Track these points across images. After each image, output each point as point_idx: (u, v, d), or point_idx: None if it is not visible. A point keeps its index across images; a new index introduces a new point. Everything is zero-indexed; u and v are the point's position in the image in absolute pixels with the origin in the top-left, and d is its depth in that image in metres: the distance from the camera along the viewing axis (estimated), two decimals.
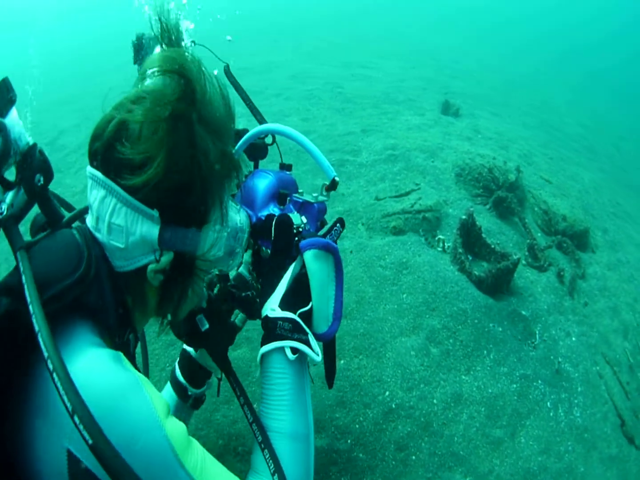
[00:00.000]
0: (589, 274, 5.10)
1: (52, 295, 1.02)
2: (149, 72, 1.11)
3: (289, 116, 7.54)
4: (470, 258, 4.38)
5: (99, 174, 1.12)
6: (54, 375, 0.89)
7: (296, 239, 1.54)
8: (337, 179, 1.72)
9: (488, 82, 13.37)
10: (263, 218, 1.65)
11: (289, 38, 16.36)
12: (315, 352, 1.41)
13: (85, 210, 1.31)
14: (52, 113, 10.32)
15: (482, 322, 3.74)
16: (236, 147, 1.86)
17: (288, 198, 1.77)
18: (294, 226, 1.58)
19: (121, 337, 1.23)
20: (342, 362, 3.25)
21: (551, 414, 3.39)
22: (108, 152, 1.10)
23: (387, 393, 3.10)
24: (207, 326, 1.70)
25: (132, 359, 1.29)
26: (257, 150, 2.09)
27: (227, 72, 2.26)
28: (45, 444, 0.97)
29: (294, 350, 1.40)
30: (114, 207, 1.11)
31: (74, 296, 1.07)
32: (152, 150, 1.06)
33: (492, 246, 4.34)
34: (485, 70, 15.52)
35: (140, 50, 2.11)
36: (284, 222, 1.55)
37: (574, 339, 4.11)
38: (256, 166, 2.12)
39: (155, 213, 1.11)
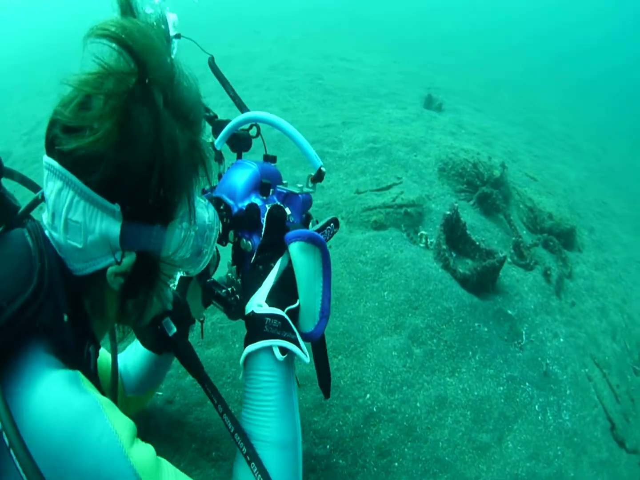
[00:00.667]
0: (576, 274, 5.02)
1: (2, 325, 0.93)
2: (114, 46, 0.98)
3: (270, 106, 7.41)
4: (454, 255, 4.22)
5: (55, 162, 1.03)
6: (3, 433, 0.85)
7: None
8: (323, 169, 1.65)
9: (473, 79, 13.36)
10: (244, 208, 1.59)
11: (269, 29, 16.17)
12: (304, 352, 1.36)
13: (40, 200, 1.23)
14: (31, 103, 10.24)
15: (467, 322, 3.61)
16: (219, 138, 1.83)
17: (271, 189, 1.72)
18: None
19: (80, 351, 1.14)
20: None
21: (539, 418, 3.29)
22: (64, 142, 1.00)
23: (367, 396, 2.94)
24: (174, 330, 1.63)
25: (91, 375, 1.14)
26: (241, 141, 2.03)
27: (212, 64, 2.24)
28: None
29: (283, 350, 1.35)
30: (71, 201, 1.02)
31: (27, 318, 0.97)
32: (109, 136, 0.96)
33: (477, 243, 4.20)
34: (471, 67, 15.51)
35: None
36: (277, 216, 1.50)
37: (561, 340, 4.02)
38: (239, 158, 2.04)
39: (116, 207, 1.02)
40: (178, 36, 2.28)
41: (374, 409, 2.88)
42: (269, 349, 1.35)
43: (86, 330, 1.17)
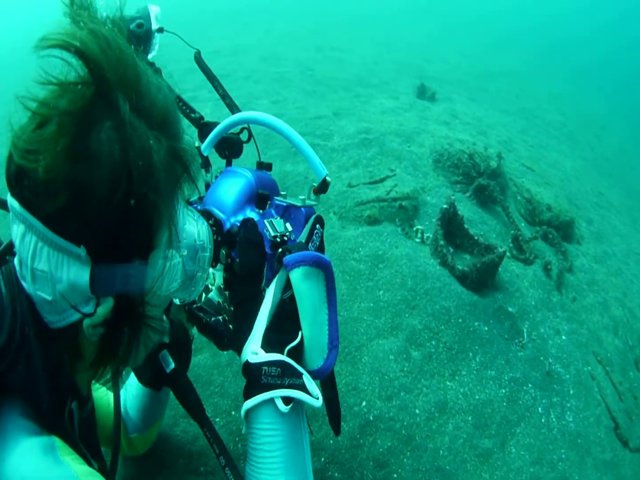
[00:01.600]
0: (576, 267, 4.90)
1: None
2: (68, 55, 0.85)
3: (258, 99, 7.24)
4: (451, 250, 4.08)
5: (15, 203, 0.90)
6: None
7: (279, 250, 1.30)
8: (328, 179, 1.46)
9: (465, 69, 13.20)
10: (238, 224, 1.41)
11: (260, 21, 15.96)
12: (314, 396, 1.21)
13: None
14: None
15: (466, 322, 3.48)
16: (206, 142, 1.64)
17: (269, 201, 1.52)
18: (275, 235, 1.36)
19: (60, 411, 1.03)
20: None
21: (543, 420, 3.19)
22: (21, 173, 0.87)
23: (363, 403, 2.82)
24: (172, 366, 1.53)
25: (73, 438, 1.06)
26: (230, 146, 1.91)
27: (198, 59, 2.15)
28: None
29: (287, 400, 1.19)
30: (35, 247, 0.89)
31: None
32: (64, 161, 0.81)
33: (476, 237, 4.06)
34: (463, 57, 15.35)
35: None
36: (249, 238, 1.34)
37: (564, 337, 3.91)
38: (229, 164, 1.90)
39: (81, 251, 0.88)
40: (161, 30, 2.18)
41: (371, 418, 2.76)
42: (270, 401, 1.19)
43: (67, 386, 1.06)
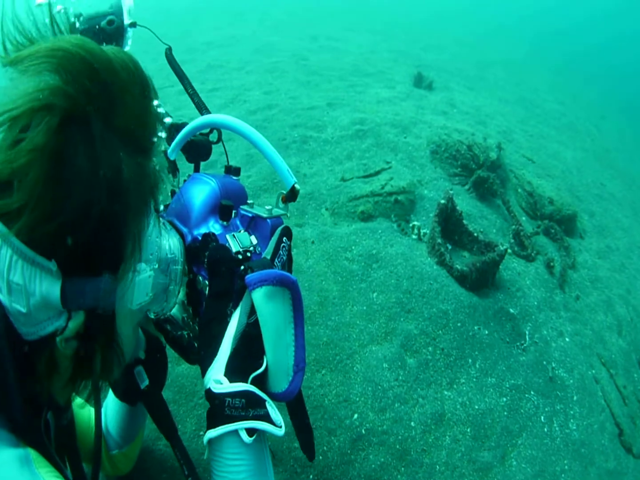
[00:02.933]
0: (579, 263, 4.78)
1: None
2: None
3: (250, 90, 7.08)
4: (449, 247, 3.91)
5: None
6: None
7: (242, 267, 1.26)
8: (297, 187, 1.39)
9: (463, 57, 13.06)
10: (199, 238, 1.38)
11: (254, 11, 15.78)
12: (277, 425, 1.19)
13: None
14: None
15: (465, 325, 3.34)
16: (172, 146, 1.58)
17: (234, 211, 1.47)
18: (238, 251, 1.31)
19: (36, 422, 1.06)
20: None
21: (545, 430, 3.09)
22: None
23: (355, 416, 2.70)
24: (146, 382, 1.50)
25: (48, 449, 1.05)
26: (198, 149, 1.86)
27: (169, 55, 2.09)
28: None
29: (251, 431, 1.16)
30: (10, 261, 0.90)
31: None
32: (37, 181, 0.83)
33: (475, 234, 3.90)
34: (461, 46, 15.23)
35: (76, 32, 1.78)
36: (219, 260, 1.28)
37: (567, 339, 3.78)
38: (197, 169, 1.88)
39: (52, 266, 0.89)
40: (133, 25, 2.11)
41: (363, 431, 2.64)
42: (234, 432, 1.15)
43: (42, 397, 1.07)
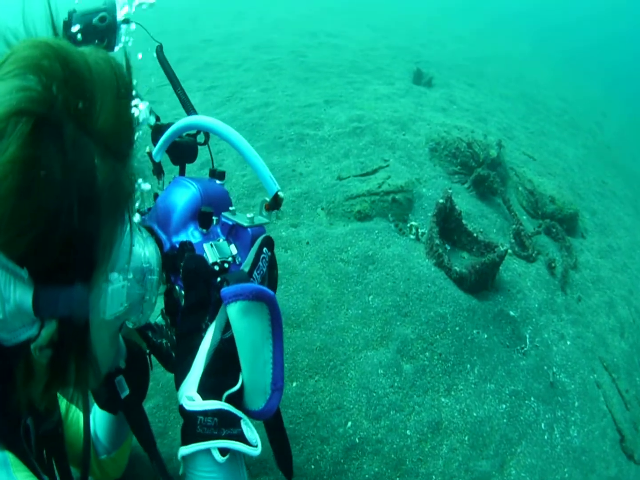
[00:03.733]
0: (580, 263, 4.70)
1: None
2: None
3: (247, 87, 7.03)
4: (448, 248, 3.83)
5: None
6: None
7: (219, 279, 1.21)
8: (281, 194, 1.38)
9: (463, 54, 13.02)
10: (177, 246, 1.34)
11: (254, 9, 15.74)
12: (252, 444, 1.14)
13: None
14: None
15: (464, 330, 3.27)
16: (156, 147, 1.57)
17: (214, 217, 1.43)
18: (215, 262, 1.29)
19: (15, 427, 1.06)
20: (294, 384, 2.80)
21: (546, 437, 3.03)
22: None
23: (349, 424, 2.65)
24: (127, 392, 1.47)
25: (27, 454, 1.05)
26: (183, 150, 1.80)
27: (159, 53, 2.06)
28: None
29: (224, 450, 1.12)
30: None
31: None
32: (7, 188, 0.79)
33: (475, 234, 3.81)
34: (461, 42, 15.19)
35: (69, 28, 1.87)
36: (194, 271, 1.24)
37: (568, 342, 3.71)
38: (182, 171, 1.84)
39: (24, 273, 0.87)
40: (127, 21, 2.07)
41: (357, 440, 2.58)
42: (207, 450, 1.12)
43: (21, 403, 1.05)
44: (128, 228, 1.05)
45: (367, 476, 2.45)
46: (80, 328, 1.01)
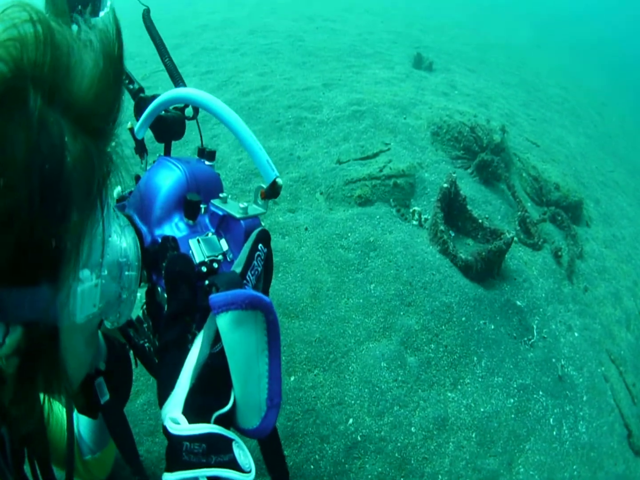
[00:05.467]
0: (586, 253, 4.61)
1: None
2: None
3: (244, 72, 6.91)
4: (452, 234, 3.69)
5: None
6: None
7: (206, 282, 1.06)
8: (279, 181, 1.18)
9: (463, 40, 12.96)
10: (159, 240, 1.20)
11: None
12: (245, 470, 0.98)
13: None
14: None
15: (470, 320, 3.16)
16: (139, 123, 1.39)
17: (202, 206, 1.26)
18: (203, 261, 1.14)
19: None
20: (292, 379, 2.70)
21: (554, 433, 2.94)
22: None
23: (350, 421, 2.54)
24: (107, 397, 1.35)
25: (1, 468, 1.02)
26: (169, 126, 1.63)
27: (145, 17, 1.93)
28: None
29: (213, 478, 0.97)
30: None
31: None
32: None
33: (480, 221, 3.71)
34: (461, 28, 15.18)
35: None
36: (178, 274, 1.10)
37: (576, 334, 3.61)
38: (167, 151, 1.68)
39: None
40: None
41: (359, 438, 2.48)
42: (195, 478, 0.98)
43: None
44: (101, 217, 0.92)
45: (369, 477, 2.37)
46: (50, 334, 0.91)
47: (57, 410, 1.75)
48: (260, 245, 1.12)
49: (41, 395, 1.16)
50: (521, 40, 16.79)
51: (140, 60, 6.83)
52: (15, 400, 0.98)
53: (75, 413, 1.80)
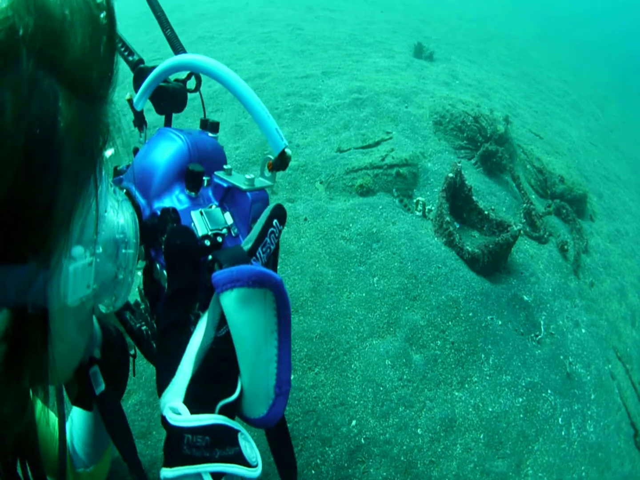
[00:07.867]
0: (591, 247, 4.53)
1: None
2: None
3: (242, 60, 6.83)
4: (457, 226, 3.58)
5: None
6: None
7: (209, 257, 0.97)
8: (288, 151, 1.06)
9: (464, 31, 12.91)
10: (158, 213, 1.11)
11: None
12: (251, 464, 0.91)
13: None
14: None
15: (478, 315, 3.05)
16: (138, 94, 1.31)
17: (205, 178, 1.16)
18: (206, 234, 1.04)
19: None
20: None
21: (563, 433, 2.86)
22: None
23: (353, 422, 2.46)
24: (102, 388, 1.26)
25: None
26: (170, 98, 1.53)
27: None
28: None
29: (217, 475, 0.89)
30: None
31: None
32: None
33: (486, 212, 3.61)
34: (461, 20, 15.13)
35: None
36: (178, 248, 1.00)
37: (583, 330, 3.53)
38: (168, 122, 1.54)
39: None
40: None
41: (362, 440, 2.40)
42: (197, 475, 0.89)
43: None
44: (96, 189, 0.82)
45: None
46: (39, 318, 0.82)
47: (51, 419, 1.68)
48: (275, 221, 1.03)
49: (31, 394, 1.09)
50: (523, 33, 16.77)
51: (137, 49, 6.75)
52: (3, 392, 0.87)
53: (68, 427, 1.77)
